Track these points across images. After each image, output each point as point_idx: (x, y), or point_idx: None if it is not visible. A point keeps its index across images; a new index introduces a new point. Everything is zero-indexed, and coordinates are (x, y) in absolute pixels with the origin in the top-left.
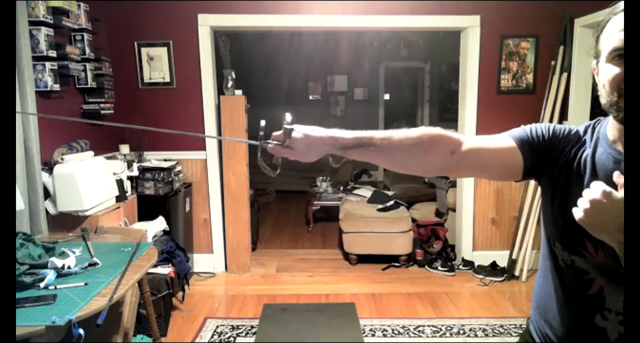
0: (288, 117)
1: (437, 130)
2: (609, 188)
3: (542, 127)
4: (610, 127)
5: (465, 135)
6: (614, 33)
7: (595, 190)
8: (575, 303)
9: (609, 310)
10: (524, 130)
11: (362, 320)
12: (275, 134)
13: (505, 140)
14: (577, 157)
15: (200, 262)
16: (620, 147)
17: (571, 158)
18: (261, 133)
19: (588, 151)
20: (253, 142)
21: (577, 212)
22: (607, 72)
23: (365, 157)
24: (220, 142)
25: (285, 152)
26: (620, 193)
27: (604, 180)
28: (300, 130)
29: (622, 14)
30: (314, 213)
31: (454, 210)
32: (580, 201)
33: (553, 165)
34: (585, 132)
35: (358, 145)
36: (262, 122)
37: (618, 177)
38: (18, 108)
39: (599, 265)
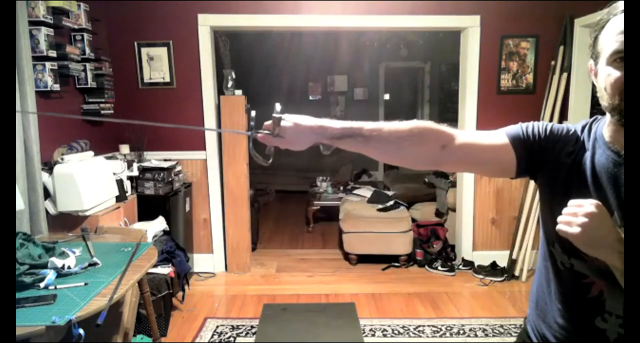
0: (277, 107)
1: (429, 124)
2: (597, 201)
3: (540, 125)
4: (606, 128)
5: (458, 130)
6: (614, 35)
7: (587, 204)
8: (574, 306)
9: (609, 313)
10: (520, 127)
11: (362, 320)
12: (266, 123)
13: (499, 137)
14: (577, 160)
15: (200, 262)
16: (618, 148)
17: (570, 160)
18: (252, 123)
19: (587, 154)
20: (244, 132)
21: (572, 228)
22: (608, 75)
23: (353, 148)
24: (220, 142)
25: (276, 140)
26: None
27: (606, 181)
28: (289, 119)
29: (622, 15)
30: (314, 213)
31: (454, 210)
32: (565, 218)
33: (551, 165)
34: (582, 131)
35: (347, 136)
36: (253, 113)
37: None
38: (18, 108)
39: (600, 269)
